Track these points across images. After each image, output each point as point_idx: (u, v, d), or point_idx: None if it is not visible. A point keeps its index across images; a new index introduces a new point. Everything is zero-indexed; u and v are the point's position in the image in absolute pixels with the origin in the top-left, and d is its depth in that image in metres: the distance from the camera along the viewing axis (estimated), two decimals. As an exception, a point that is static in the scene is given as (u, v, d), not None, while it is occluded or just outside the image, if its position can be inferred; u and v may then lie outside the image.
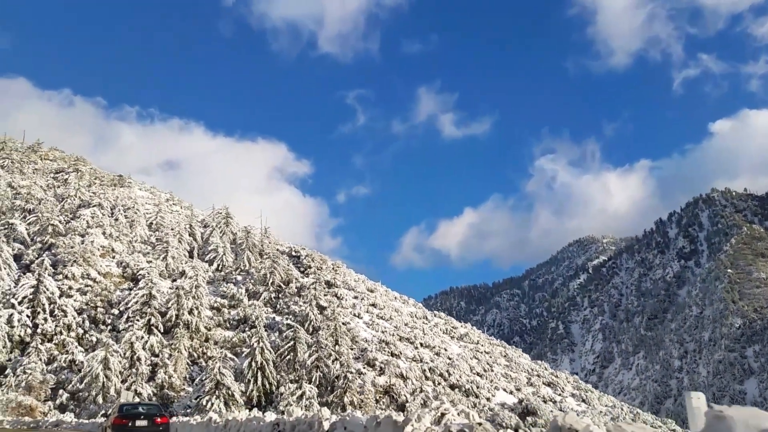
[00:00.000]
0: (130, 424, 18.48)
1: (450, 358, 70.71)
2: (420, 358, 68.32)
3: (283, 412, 52.74)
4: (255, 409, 52.13)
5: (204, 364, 59.79)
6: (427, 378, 63.25)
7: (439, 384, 62.91)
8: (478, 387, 66.03)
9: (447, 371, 65.70)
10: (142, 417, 18.82)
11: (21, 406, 35.29)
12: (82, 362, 53.22)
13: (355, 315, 74.46)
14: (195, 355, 60.07)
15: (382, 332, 71.63)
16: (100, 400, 47.53)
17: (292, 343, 61.25)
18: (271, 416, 12.13)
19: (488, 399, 65.62)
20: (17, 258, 74.82)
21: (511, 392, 70.36)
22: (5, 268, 69.05)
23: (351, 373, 57.04)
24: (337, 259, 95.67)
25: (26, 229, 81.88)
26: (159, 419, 19.02)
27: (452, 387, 64.46)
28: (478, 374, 69.88)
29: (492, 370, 73.39)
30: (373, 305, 79.40)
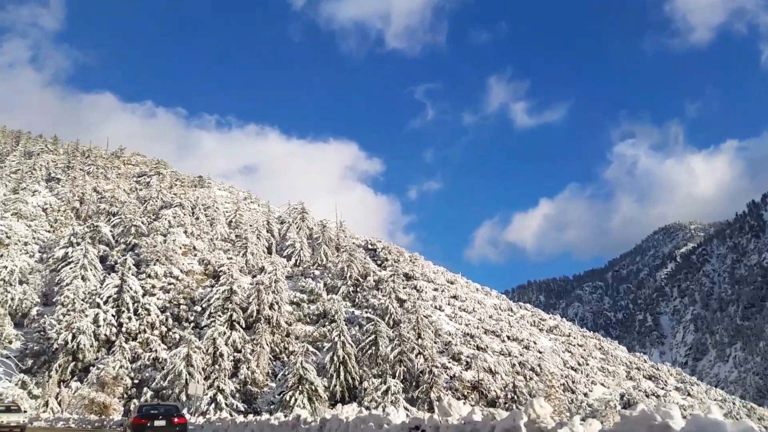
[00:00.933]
0: (148, 423, 18.93)
1: (540, 352, 66.38)
2: (508, 352, 64.49)
3: (368, 408, 50.59)
4: (339, 405, 50.20)
5: (286, 359, 58.61)
6: (517, 373, 59.36)
7: (530, 379, 58.88)
8: (573, 382, 61.50)
9: (539, 365, 61.50)
10: (160, 417, 19.36)
11: (94, 403, 34.42)
12: (165, 360, 53.12)
13: (436, 307, 71.47)
14: (277, 350, 58.99)
15: (466, 325, 68.26)
16: (183, 397, 46.94)
17: (373, 337, 59.04)
18: (399, 416, 9.33)
19: (585, 394, 60.96)
20: (102, 259, 76.87)
21: (609, 387, 65.26)
22: (91, 269, 70.82)
23: (437, 367, 54.14)
24: (413, 252, 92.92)
25: (110, 231, 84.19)
26: (176, 419, 19.53)
27: (545, 382, 60.22)
28: (572, 368, 65.21)
29: (587, 364, 68.42)
30: (455, 297, 76.10)
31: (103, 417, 37.18)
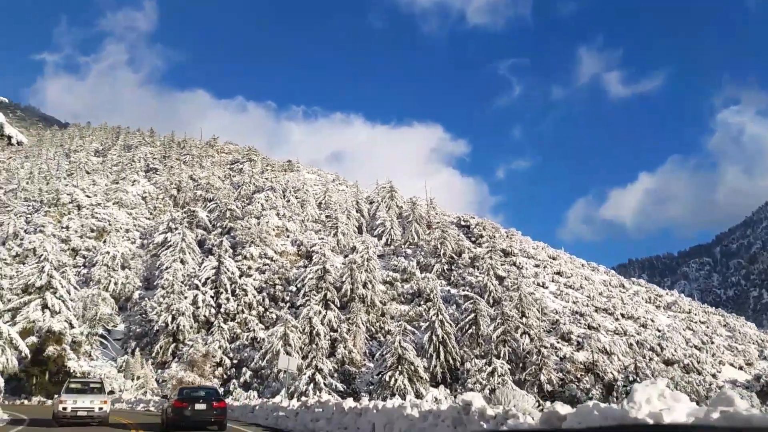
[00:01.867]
0: (189, 407, 18.91)
1: (659, 330, 60.22)
2: (623, 331, 58.93)
3: (471, 390, 47.38)
4: (441, 387, 47.36)
5: (382, 338, 56.45)
6: (635, 353, 53.88)
7: (651, 360, 53.26)
8: (699, 362, 55.16)
9: (659, 345, 55.62)
10: (201, 400, 19.42)
11: (182, 382, 32.99)
12: (263, 339, 52.36)
13: (538, 284, 66.74)
14: (372, 329, 56.90)
15: (574, 302, 63.17)
16: (281, 376, 45.75)
17: (472, 315, 55.59)
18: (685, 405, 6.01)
19: (713, 376, 54.52)
20: (200, 243, 78.20)
21: (740, 367, 58.23)
22: (189, 253, 71.97)
23: (545, 347, 49.91)
24: (509, 227, 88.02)
25: (207, 216, 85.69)
26: (216, 403, 19.51)
27: (667, 363, 54.38)
28: (696, 347, 58.65)
29: (712, 342, 61.48)
30: (559, 273, 70.92)
31: None
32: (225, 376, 49.90)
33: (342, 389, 44.04)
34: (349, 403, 16.05)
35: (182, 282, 60.90)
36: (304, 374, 42.70)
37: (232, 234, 77.68)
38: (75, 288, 63.97)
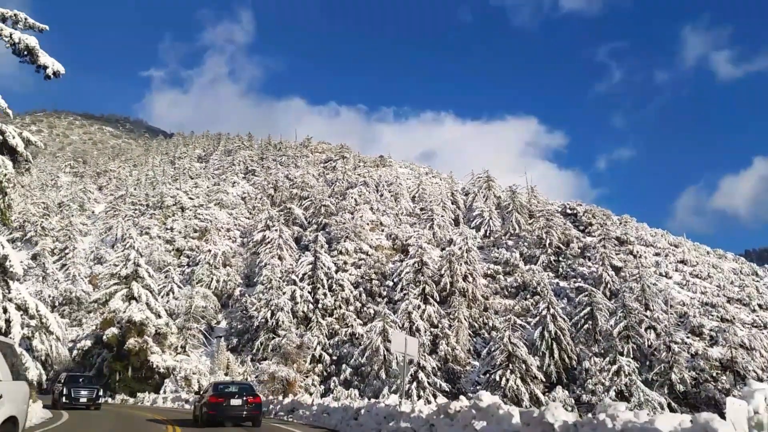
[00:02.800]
0: (224, 402, 18.69)
1: (810, 324, 52.25)
2: (763, 324, 51.63)
3: (593, 392, 42.67)
4: (558, 388, 43.09)
5: (486, 335, 52.81)
6: (783, 349, 46.76)
7: (804, 357, 45.95)
8: None
9: (812, 340, 48.01)
10: (236, 396, 19.11)
11: (276, 379, 29.68)
12: (361, 335, 50.34)
13: (660, 274, 60.27)
14: (476, 325, 53.38)
15: (702, 293, 56.30)
16: (383, 374, 43.41)
17: (588, 309, 50.64)
18: None
19: None
20: (297, 240, 78.04)
21: None
22: (287, 249, 71.74)
23: (675, 343, 44.16)
24: (622, 214, 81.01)
25: (303, 214, 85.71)
26: (252, 399, 19.23)
27: (824, 362, 46.72)
28: None
29: None
30: (683, 262, 63.87)
31: (273, 398, 28.08)
32: (325, 373, 48.34)
33: (447, 389, 40.95)
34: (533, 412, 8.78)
35: (280, 278, 60.27)
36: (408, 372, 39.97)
37: (327, 230, 76.80)
38: (178, 286, 65.51)
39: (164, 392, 43.28)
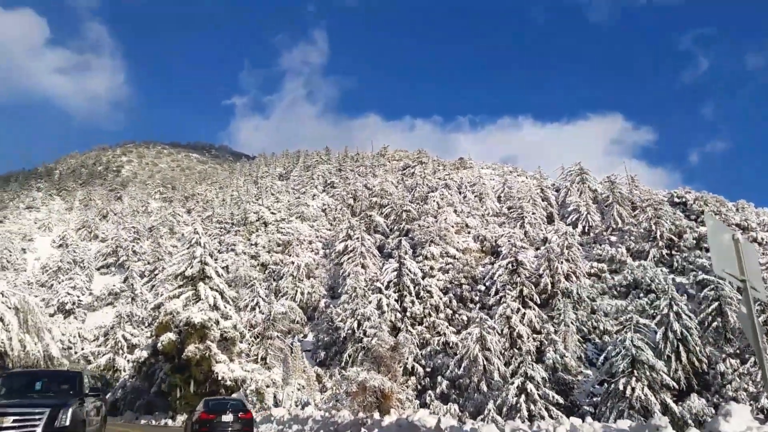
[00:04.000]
0: (216, 419, 18.84)
1: None
2: None
3: (735, 399, 36.13)
4: (693, 396, 36.85)
5: (597, 340, 46.98)
6: None
7: None
8: None
9: None
10: (227, 411, 19.36)
11: (367, 389, 23.87)
12: (455, 344, 46.01)
13: (797, 262, 51.89)
14: (584, 329, 47.62)
15: None
16: (483, 387, 38.89)
17: (715, 304, 43.86)
18: None
19: None
20: (380, 249, 75.02)
21: None
22: (369, 257, 68.82)
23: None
24: (738, 200, 72.04)
25: (384, 221, 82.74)
26: (243, 414, 19.52)
27: None
28: None
29: None
30: (823, 247, 55.04)
31: (368, 416, 20.26)
32: (419, 387, 44.31)
33: (560, 402, 35.81)
34: None
35: (365, 287, 57.14)
36: (512, 383, 35.22)
37: (410, 235, 73.27)
38: (264, 300, 63.86)
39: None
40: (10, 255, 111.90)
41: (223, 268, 73.26)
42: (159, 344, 38.09)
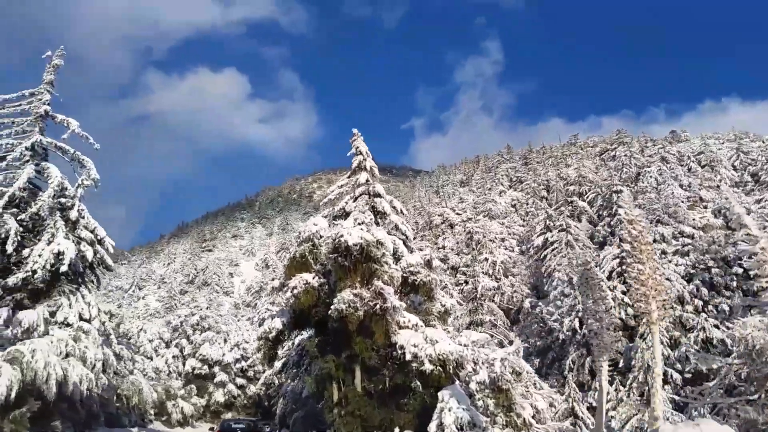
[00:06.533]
0: None
1: None
2: None
3: None
4: None
5: None
6: None
7: None
8: None
9: None
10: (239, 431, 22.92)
11: None
12: (719, 341, 34.02)
13: None
14: None
15: None
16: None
17: None
18: None
19: None
20: (590, 238, 64.15)
21: None
22: (579, 247, 58.34)
23: None
24: None
25: (588, 208, 71.48)
26: None
27: None
28: None
29: None
30: None
31: None
32: (676, 397, 33.17)
33: None
34: None
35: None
36: None
37: (619, 220, 61.16)
38: (460, 304, 56.83)
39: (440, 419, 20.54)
40: (219, 279, 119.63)
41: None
42: (289, 295, 23.03)
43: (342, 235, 22.58)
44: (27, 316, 27.06)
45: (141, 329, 64.26)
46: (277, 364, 33.65)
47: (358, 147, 30.80)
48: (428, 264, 27.60)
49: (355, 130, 31.06)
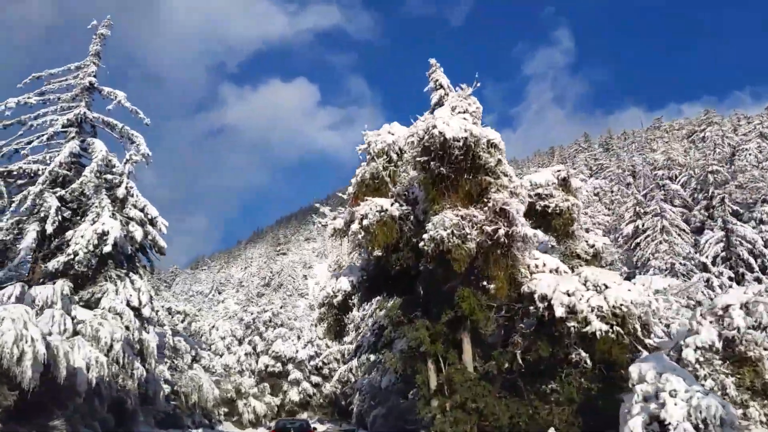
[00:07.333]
0: None
1: None
2: None
3: None
4: None
5: None
6: None
7: None
8: None
9: None
10: (293, 431, 25.02)
11: None
12: None
13: None
14: None
15: None
16: None
17: None
18: None
19: None
20: (686, 222, 59.66)
21: None
22: (675, 231, 54.13)
23: None
24: None
25: (681, 191, 66.43)
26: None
27: None
28: None
29: None
30: None
31: None
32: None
33: None
34: None
35: (681, 265, 43.36)
36: None
37: (721, 200, 56.41)
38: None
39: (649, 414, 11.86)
40: (294, 281, 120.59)
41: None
42: (357, 228, 16.09)
43: (435, 126, 14.88)
44: (41, 292, 23.26)
45: (213, 326, 64.02)
46: (349, 347, 31.36)
47: (437, 80, 23.82)
48: (564, 184, 19.05)
49: (432, 60, 24.46)
